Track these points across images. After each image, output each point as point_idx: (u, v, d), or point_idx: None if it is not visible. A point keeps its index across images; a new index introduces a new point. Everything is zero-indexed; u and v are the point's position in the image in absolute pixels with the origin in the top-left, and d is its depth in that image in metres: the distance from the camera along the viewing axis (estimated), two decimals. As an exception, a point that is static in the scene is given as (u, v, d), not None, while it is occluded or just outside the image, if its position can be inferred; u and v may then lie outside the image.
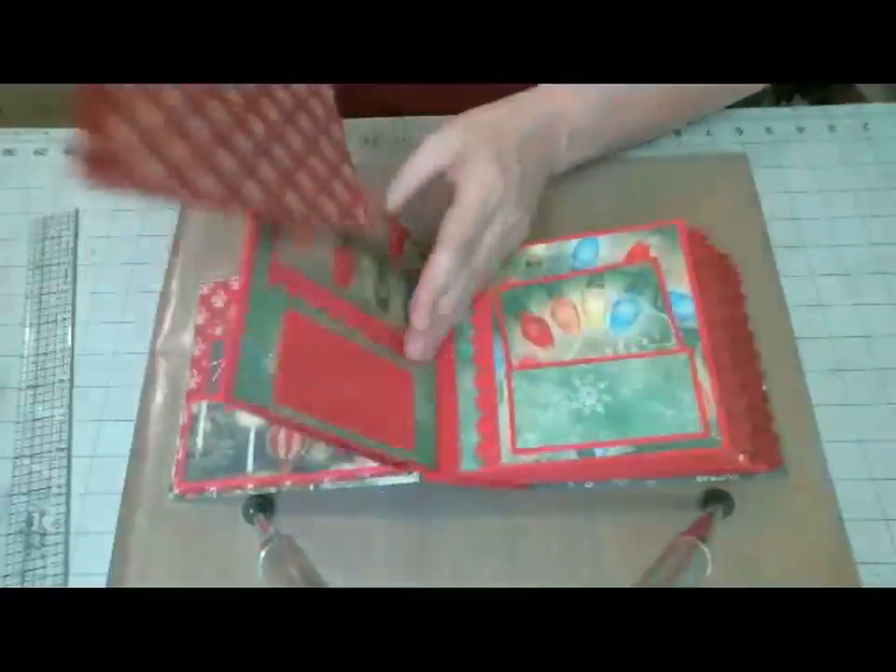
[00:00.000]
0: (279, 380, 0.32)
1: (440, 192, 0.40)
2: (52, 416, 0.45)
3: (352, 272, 0.39)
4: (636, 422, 0.35)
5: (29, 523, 0.42)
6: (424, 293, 0.38)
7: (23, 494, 0.43)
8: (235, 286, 0.46)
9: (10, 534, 0.42)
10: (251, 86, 0.32)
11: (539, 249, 0.42)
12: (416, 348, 0.39)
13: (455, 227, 0.38)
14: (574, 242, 0.42)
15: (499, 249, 0.41)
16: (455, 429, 0.39)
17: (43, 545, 0.42)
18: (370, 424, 0.36)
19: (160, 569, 0.41)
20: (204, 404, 0.42)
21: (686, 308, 0.37)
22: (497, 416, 0.38)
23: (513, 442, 0.37)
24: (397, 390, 0.39)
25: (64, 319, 0.49)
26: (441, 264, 0.37)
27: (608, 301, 0.39)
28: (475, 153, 0.39)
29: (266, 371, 0.31)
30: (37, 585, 0.41)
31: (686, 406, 0.35)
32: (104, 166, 0.24)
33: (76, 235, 0.52)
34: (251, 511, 0.40)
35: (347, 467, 0.38)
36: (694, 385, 0.35)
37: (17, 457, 0.44)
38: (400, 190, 0.40)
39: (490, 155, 0.39)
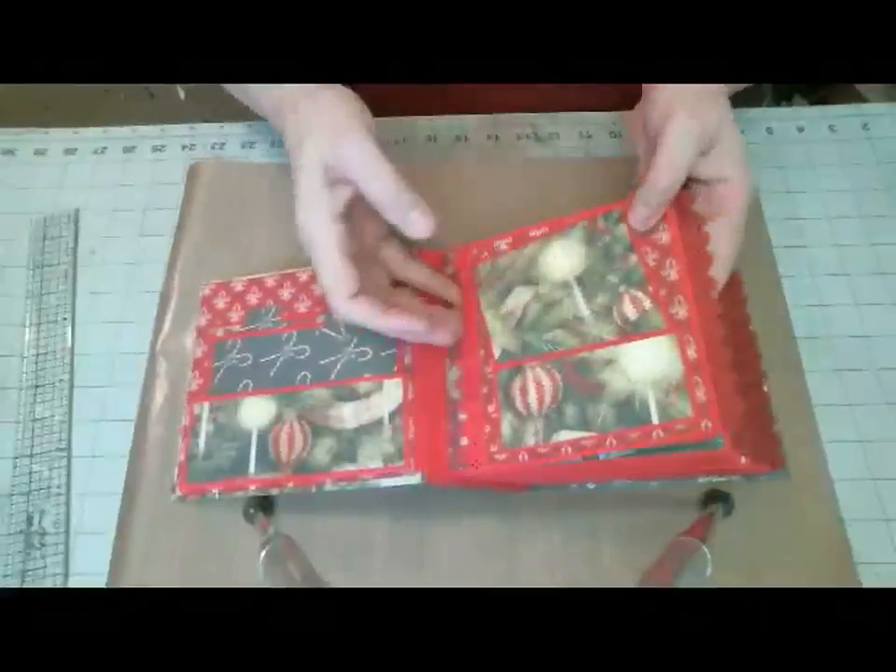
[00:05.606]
0: None
1: None
2: (52, 416, 0.45)
3: None
4: (636, 422, 0.35)
5: (29, 523, 0.42)
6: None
7: (23, 494, 0.43)
8: (238, 287, 0.46)
9: (10, 534, 0.42)
10: None
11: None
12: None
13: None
14: None
15: None
16: None
17: (43, 545, 0.42)
18: None
19: (160, 569, 0.41)
20: (206, 405, 0.42)
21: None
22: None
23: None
24: None
25: (64, 319, 0.49)
26: None
27: None
28: (723, 126, 0.38)
29: None
30: (37, 585, 0.41)
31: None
32: None
33: (76, 235, 0.52)
34: (251, 510, 0.40)
35: (349, 468, 0.38)
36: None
37: (17, 457, 0.44)
38: (655, 207, 0.37)
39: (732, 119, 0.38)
